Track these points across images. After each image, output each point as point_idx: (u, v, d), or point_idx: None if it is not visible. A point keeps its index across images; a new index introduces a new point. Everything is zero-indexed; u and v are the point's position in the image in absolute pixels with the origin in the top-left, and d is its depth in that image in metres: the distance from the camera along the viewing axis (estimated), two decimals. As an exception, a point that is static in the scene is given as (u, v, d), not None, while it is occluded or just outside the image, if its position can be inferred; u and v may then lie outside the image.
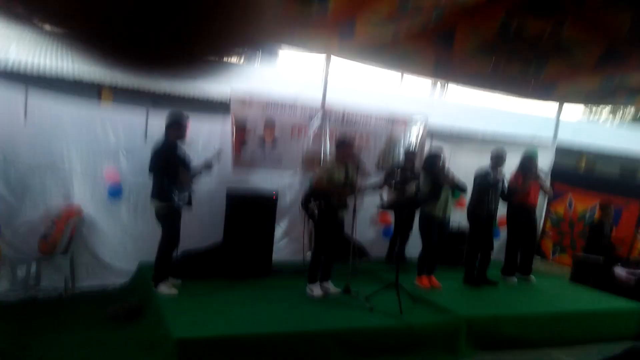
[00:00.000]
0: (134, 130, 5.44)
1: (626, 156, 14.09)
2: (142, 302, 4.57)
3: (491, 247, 6.06)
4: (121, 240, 5.45)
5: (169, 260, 4.70)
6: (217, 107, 6.87)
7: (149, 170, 4.57)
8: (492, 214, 5.96)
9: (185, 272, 5.00)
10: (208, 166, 5.00)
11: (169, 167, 4.54)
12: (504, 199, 6.12)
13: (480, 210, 5.85)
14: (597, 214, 7.19)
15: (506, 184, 6.10)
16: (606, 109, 27.74)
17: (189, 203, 4.77)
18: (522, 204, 6.26)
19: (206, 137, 5.81)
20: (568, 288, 6.35)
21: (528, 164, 6.26)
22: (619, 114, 29.41)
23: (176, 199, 4.55)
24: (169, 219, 4.63)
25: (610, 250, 6.83)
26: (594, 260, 6.64)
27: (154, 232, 4.73)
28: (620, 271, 6.33)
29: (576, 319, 5.04)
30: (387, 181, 5.68)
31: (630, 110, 28.59)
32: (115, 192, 5.39)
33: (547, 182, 7.39)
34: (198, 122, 5.69)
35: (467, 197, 6.14)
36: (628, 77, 5.61)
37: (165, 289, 4.53)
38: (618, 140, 14.85)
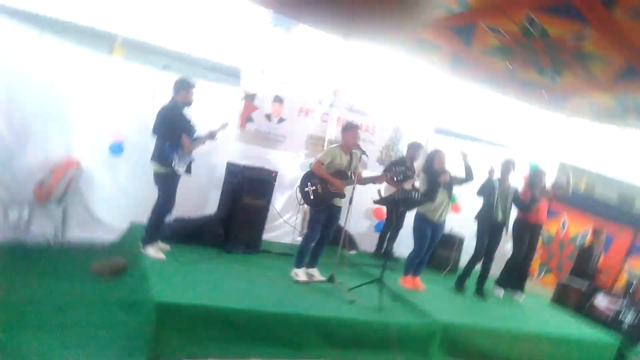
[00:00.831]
0: (142, 90, 5.40)
1: (626, 183, 14.08)
2: (128, 262, 4.60)
3: (491, 257, 6.06)
4: (116, 198, 5.46)
5: (160, 224, 4.72)
6: (229, 76, 6.81)
7: (153, 131, 4.57)
8: (500, 224, 5.93)
9: (175, 238, 5.03)
10: (212, 137, 4.98)
11: (173, 131, 4.53)
12: (521, 208, 6.06)
13: (487, 219, 5.85)
14: (588, 239, 7.21)
15: (517, 195, 6.06)
16: (614, 130, 27.54)
17: (188, 170, 4.76)
18: (528, 221, 6.19)
19: (213, 106, 5.78)
20: (547, 310, 6.38)
21: (537, 179, 6.16)
22: (626, 138, 29.22)
23: (176, 164, 4.55)
24: (167, 183, 4.63)
25: (595, 278, 6.86)
26: (578, 285, 6.66)
27: (150, 194, 4.73)
28: (601, 300, 6.35)
29: (550, 342, 5.04)
30: (386, 175, 5.66)
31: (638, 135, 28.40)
32: (117, 149, 5.39)
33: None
34: (207, 90, 5.66)
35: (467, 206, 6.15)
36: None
37: (153, 252, 4.56)
38: (621, 166, 14.81)
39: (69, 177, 4.96)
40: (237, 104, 5.88)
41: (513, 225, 6.34)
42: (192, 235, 5.26)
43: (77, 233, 5.27)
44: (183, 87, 4.64)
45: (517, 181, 6.39)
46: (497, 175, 5.97)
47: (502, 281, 6.41)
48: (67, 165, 4.98)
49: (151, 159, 4.62)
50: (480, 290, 5.98)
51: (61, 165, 4.95)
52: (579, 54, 4.60)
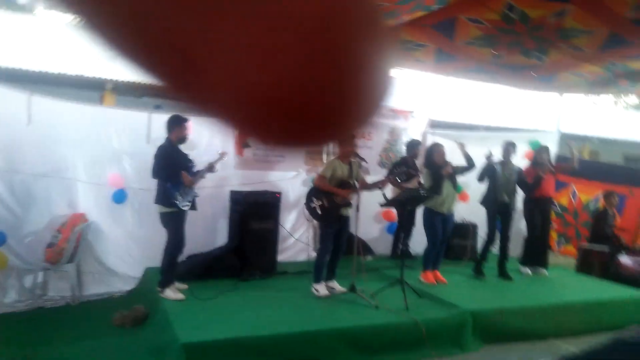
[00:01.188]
0: (136, 134, 5.44)
1: (629, 144, 14.03)
2: (148, 308, 4.59)
3: (507, 238, 6.06)
4: (127, 246, 5.47)
5: (175, 264, 4.72)
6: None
7: (152, 174, 4.59)
8: (507, 204, 5.94)
9: (191, 275, 5.02)
10: (211, 169, 5.00)
11: (172, 171, 4.55)
12: (525, 189, 6.10)
13: (492, 200, 5.86)
14: (600, 203, 7.18)
15: (523, 175, 6.09)
16: (608, 98, 27.60)
17: (193, 207, 4.78)
18: (536, 197, 6.22)
19: (208, 139, 5.82)
20: (573, 278, 6.34)
21: (540, 156, 6.23)
22: (621, 102, 29.25)
23: (180, 203, 4.56)
24: (174, 223, 4.64)
25: (615, 239, 6.82)
26: (599, 249, 6.63)
27: (160, 236, 4.74)
28: (625, 260, 6.32)
29: (582, 309, 5.03)
30: (389, 177, 5.66)
31: (633, 97, 28.42)
32: (120, 198, 5.41)
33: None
34: (200, 124, 5.69)
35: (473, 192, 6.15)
36: (631, 62, 5.57)
37: (172, 293, 4.55)
38: (621, 129, 14.79)
39: (77, 234, 4.98)
40: (231, 132, 5.91)
41: (523, 205, 6.36)
42: (207, 270, 5.25)
43: (94, 288, 5.26)
44: (176, 124, 4.67)
45: (520, 161, 6.40)
46: (498, 158, 6.00)
47: (526, 260, 6.40)
48: (74, 222, 5.00)
49: (155, 201, 4.64)
50: (503, 273, 5.96)
51: (68, 223, 4.96)
52: (562, 30, 4.62)
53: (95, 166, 5.30)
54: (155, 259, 4.78)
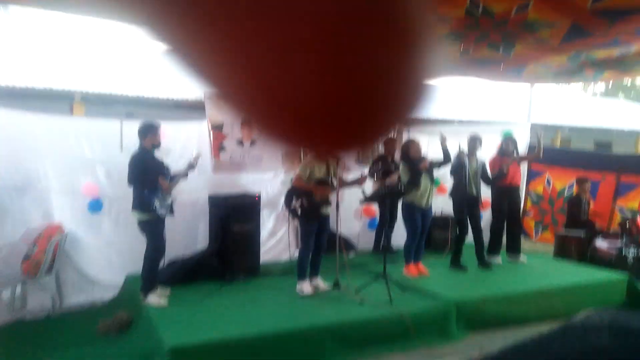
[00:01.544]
0: (109, 142, 5.37)
1: (600, 130, 14.41)
2: (132, 315, 4.54)
3: (479, 229, 6.16)
4: (106, 254, 5.40)
5: (156, 270, 4.67)
6: (192, 110, 6.82)
7: (128, 181, 4.54)
8: (475, 197, 6.05)
9: (173, 280, 4.98)
10: (191, 167, 4.95)
11: (148, 176, 4.50)
12: (488, 182, 6.21)
13: (461, 195, 5.94)
14: (574, 189, 7.36)
15: (487, 168, 6.21)
16: (577, 86, 28.32)
17: (171, 211, 4.74)
18: (504, 186, 6.34)
19: (183, 143, 5.78)
20: (552, 264, 6.48)
21: (506, 145, 6.38)
22: (590, 90, 30.04)
23: (158, 208, 4.52)
24: (153, 229, 4.60)
25: (590, 224, 7.00)
26: (575, 235, 6.79)
27: (139, 243, 4.69)
28: (601, 243, 6.49)
29: (561, 293, 5.15)
30: (369, 173, 5.72)
31: (601, 85, 29.23)
32: (96, 206, 5.33)
33: (525, 162, 7.53)
34: (173, 129, 5.66)
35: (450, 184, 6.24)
36: (594, 52, 5.73)
37: (155, 299, 4.51)
38: (591, 116, 15.18)
39: (54, 245, 4.88)
40: (206, 136, 5.88)
41: (492, 194, 6.50)
42: (190, 274, 5.21)
43: (75, 298, 5.18)
44: (149, 131, 4.63)
45: (489, 153, 6.52)
46: (465, 152, 6.09)
47: (491, 248, 6.49)
48: (50, 233, 4.90)
49: (132, 208, 4.58)
50: (482, 262, 6.06)
51: (43, 234, 4.87)
52: (526, 23, 4.72)
53: (69, 176, 5.21)
54: (136, 266, 4.72)
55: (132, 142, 4.83)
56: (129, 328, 4.40)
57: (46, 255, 4.80)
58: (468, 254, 6.08)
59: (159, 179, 4.54)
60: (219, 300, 4.66)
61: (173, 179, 4.79)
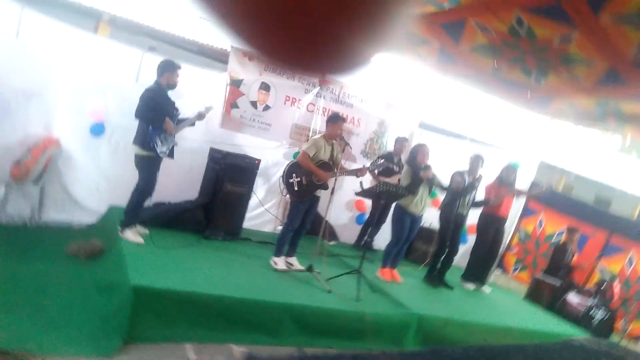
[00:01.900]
0: (126, 70, 5.32)
1: (603, 186, 14.36)
2: (105, 245, 4.56)
3: (455, 251, 6.18)
4: (95, 180, 5.39)
5: (140, 207, 4.67)
6: (215, 60, 6.75)
7: (135, 115, 4.51)
8: (463, 218, 6.05)
9: (154, 222, 4.99)
10: (200, 117, 4.92)
11: (156, 114, 4.47)
12: (474, 205, 6.19)
13: (451, 212, 5.93)
14: (563, 237, 7.37)
15: (478, 191, 6.18)
16: (593, 133, 28.12)
17: (171, 155, 4.72)
18: (493, 215, 6.35)
19: (198, 90, 5.72)
20: (521, 305, 6.52)
21: (506, 175, 6.34)
22: (605, 141, 29.85)
23: (157, 147, 4.50)
24: (148, 167, 4.58)
25: (569, 275, 7.02)
26: (551, 282, 6.81)
27: (131, 177, 4.68)
28: (573, 297, 6.52)
29: (521, 336, 5.17)
30: (369, 168, 5.69)
31: (617, 138, 29.03)
32: (98, 130, 5.31)
33: (524, 198, 7.52)
34: (192, 73, 5.60)
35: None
36: (622, 102, 5.67)
37: (131, 235, 4.52)
38: (599, 169, 15.10)
39: (47, 157, 4.88)
40: (222, 89, 5.83)
41: (479, 219, 6.47)
42: (172, 220, 5.23)
43: (54, 214, 5.19)
44: (167, 70, 4.58)
45: (492, 177, 6.50)
46: (465, 169, 6.09)
47: (468, 275, 6.52)
48: (46, 144, 4.89)
49: (133, 141, 4.57)
50: (442, 281, 6.06)
51: (40, 144, 4.85)
52: (564, 56, 4.65)
53: (79, 94, 5.16)
54: (122, 199, 4.72)
55: (149, 77, 4.78)
56: (99, 256, 4.42)
57: (37, 164, 4.80)
58: (450, 273, 6.10)
59: (165, 119, 4.50)
60: (194, 253, 4.69)
61: (180, 123, 4.76)
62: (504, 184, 6.31)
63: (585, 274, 7.18)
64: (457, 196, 5.91)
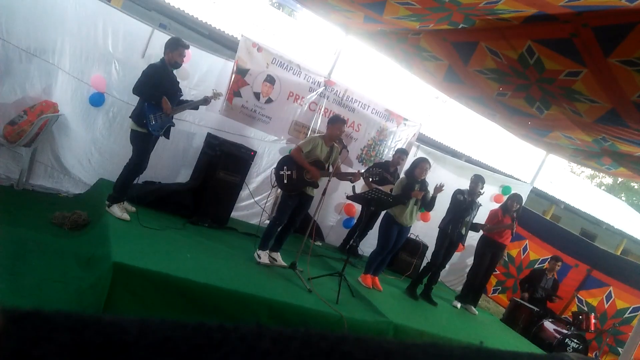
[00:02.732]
0: (134, 44, 5.28)
1: (591, 219, 14.53)
2: (90, 217, 4.51)
3: (443, 267, 6.20)
4: (88, 151, 5.34)
5: (129, 183, 4.63)
6: (224, 46, 6.72)
7: (133, 89, 4.44)
8: (461, 237, 6.07)
9: (143, 201, 4.95)
10: (205, 102, 4.86)
11: (155, 92, 4.42)
12: (474, 228, 6.21)
13: (452, 229, 5.95)
14: (545, 264, 7.44)
15: (478, 212, 6.22)
16: (587, 172, 28.51)
17: (167, 135, 4.69)
18: (493, 240, 6.40)
19: (203, 74, 5.70)
20: (497, 327, 6.56)
21: (511, 204, 6.38)
22: (597, 179, 30.25)
23: (152, 126, 4.44)
24: (141, 143, 4.52)
25: (547, 302, 7.08)
26: (529, 307, 6.87)
27: (125, 152, 4.65)
28: (549, 325, 6.58)
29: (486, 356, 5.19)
30: (364, 173, 5.69)
31: (608, 179, 29.43)
32: (97, 100, 5.25)
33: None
34: (199, 56, 5.57)
35: (436, 214, 6.25)
36: (620, 143, 5.73)
37: (118, 211, 4.48)
38: (588, 203, 15.28)
39: (42, 121, 4.81)
40: (227, 77, 5.80)
41: (478, 242, 6.52)
42: (161, 201, 5.18)
43: (43, 180, 5.13)
44: (175, 47, 4.53)
45: (485, 199, 6.54)
46: (465, 189, 6.12)
47: (462, 297, 6.55)
48: (43, 108, 4.83)
49: (130, 115, 4.52)
50: (428, 297, 6.09)
51: (37, 107, 4.79)
52: (569, 90, 4.68)
53: (83, 62, 5.11)
54: (113, 173, 4.69)
55: (156, 54, 4.75)
56: (83, 228, 4.37)
57: (32, 127, 4.74)
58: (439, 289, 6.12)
59: (163, 98, 4.45)
60: (178, 237, 4.65)
61: (181, 104, 4.72)
62: (508, 212, 6.33)
63: (564, 303, 7.25)
64: (457, 215, 5.93)
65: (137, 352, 0.45)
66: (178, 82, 4.67)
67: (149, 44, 5.26)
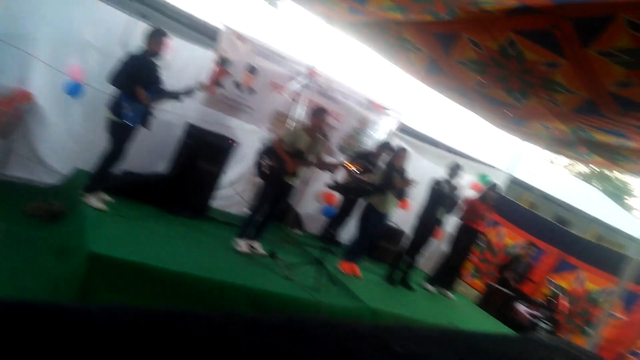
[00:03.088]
0: (112, 33, 5.18)
1: (565, 206, 14.86)
2: (66, 208, 4.46)
3: (419, 253, 6.32)
4: (65, 141, 5.25)
5: (106, 173, 4.56)
6: (205, 36, 6.65)
7: (109, 78, 4.37)
8: (438, 224, 6.17)
9: (120, 191, 4.91)
10: (188, 93, 4.83)
11: (129, 81, 4.33)
12: (450, 212, 6.31)
13: (429, 217, 6.05)
14: (521, 250, 7.63)
15: (459, 199, 6.32)
16: (564, 161, 29.06)
17: (145, 124, 4.64)
18: (470, 226, 6.51)
19: (184, 64, 5.65)
20: (472, 310, 6.73)
21: (491, 195, 6.50)
22: (573, 169, 30.88)
23: (127, 116, 4.36)
24: (116, 133, 4.45)
25: (521, 286, 7.28)
26: (503, 291, 7.06)
27: (102, 142, 4.58)
28: (522, 307, 6.78)
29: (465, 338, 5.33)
30: (345, 164, 5.71)
31: (583, 167, 30.05)
32: (74, 90, 5.15)
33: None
34: (180, 46, 5.52)
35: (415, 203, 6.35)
36: (596, 132, 5.86)
37: (94, 201, 4.42)
38: (561, 190, 15.61)
39: (17, 111, 4.73)
40: (209, 67, 5.75)
41: (457, 229, 6.63)
42: (139, 191, 5.15)
43: (17, 171, 5.04)
44: (154, 36, 4.48)
45: (462, 186, 6.66)
46: (443, 176, 6.22)
47: (434, 280, 6.67)
48: (18, 98, 4.74)
49: (106, 104, 4.46)
50: (405, 282, 6.19)
51: (12, 96, 4.69)
52: (548, 81, 4.77)
53: (60, 50, 5.01)
54: (89, 163, 4.63)
55: (134, 43, 4.68)
56: (58, 219, 4.33)
57: (6, 117, 4.65)
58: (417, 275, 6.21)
59: (136, 87, 4.35)
60: (156, 227, 4.64)
61: (161, 94, 4.66)
62: (485, 201, 6.45)
63: (537, 286, 7.45)
64: (435, 202, 6.02)
65: (100, 338, 0.47)
66: (159, 72, 4.61)
67: (128, 33, 5.18)
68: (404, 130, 8.66)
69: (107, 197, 4.63)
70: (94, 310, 0.51)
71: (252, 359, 0.51)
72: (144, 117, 4.57)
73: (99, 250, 3.44)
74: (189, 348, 0.48)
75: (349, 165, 5.18)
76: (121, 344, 0.46)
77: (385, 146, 6.63)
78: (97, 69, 5.14)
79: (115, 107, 4.37)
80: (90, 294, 3.29)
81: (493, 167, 8.60)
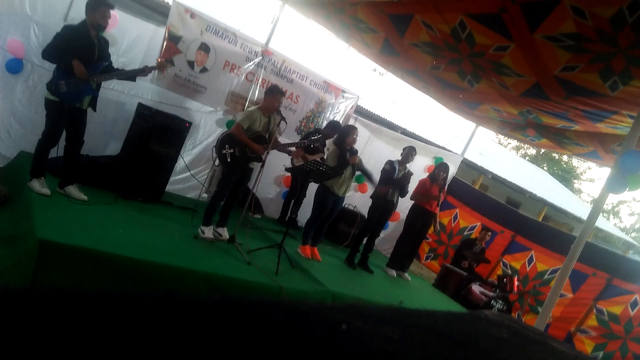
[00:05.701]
0: (55, 8, 4.89)
1: (516, 188, 15.43)
2: (11, 193, 4.22)
3: (377, 235, 6.40)
4: (7, 122, 4.94)
5: (44, 156, 4.27)
6: (155, 11, 6.37)
7: (42, 51, 4.05)
8: (393, 205, 6.26)
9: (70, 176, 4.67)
10: (144, 72, 4.58)
11: (65, 54, 4.01)
12: (403, 195, 6.40)
13: (382, 199, 6.12)
14: (475, 234, 7.86)
15: (410, 181, 6.42)
16: (513, 144, 30.14)
17: (93, 107, 4.41)
18: (423, 208, 6.62)
19: (132, 40, 5.40)
20: (429, 291, 6.91)
21: (438, 173, 6.62)
22: (522, 151, 32.08)
23: (62, 93, 4.08)
24: (51, 112, 4.16)
25: (475, 267, 7.52)
26: (458, 272, 7.27)
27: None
28: (476, 288, 7.01)
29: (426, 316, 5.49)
30: (300, 144, 5.66)
31: (532, 150, 31.29)
32: (14, 66, 4.85)
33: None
34: (127, 20, 5.27)
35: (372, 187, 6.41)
36: (543, 115, 6.08)
37: (38, 185, 4.17)
38: (512, 173, 16.20)
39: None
40: (158, 44, 5.53)
41: (409, 210, 6.74)
42: (89, 175, 4.92)
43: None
44: (96, 7, 4.14)
45: (418, 170, 6.78)
46: (396, 159, 6.30)
47: (392, 263, 6.78)
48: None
49: (46, 83, 4.20)
50: (364, 265, 6.28)
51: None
52: (498, 64, 4.88)
53: (-2, 24, 4.68)
54: (35, 146, 4.38)
55: (79, 17, 4.41)
56: (4, 204, 4.09)
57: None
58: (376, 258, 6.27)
59: (73, 61, 4.03)
60: (109, 211, 4.46)
61: (111, 72, 4.43)
62: (436, 181, 6.57)
63: (490, 267, 7.72)
64: (388, 184, 6.09)
65: (33, 321, 0.43)
66: (101, 46, 4.30)
67: (72, 6, 4.89)
68: (362, 112, 8.70)
69: (76, 191, 4.38)
70: (19, 292, 0.46)
71: (189, 339, 0.47)
72: (81, 95, 4.22)
73: (49, 236, 3.28)
74: (123, 328, 0.45)
75: (309, 143, 5.15)
76: (47, 326, 0.42)
77: (333, 125, 6.57)
78: (39, 45, 4.84)
79: (50, 84, 4.08)
80: (42, 282, 3.15)
81: (448, 150, 8.80)
